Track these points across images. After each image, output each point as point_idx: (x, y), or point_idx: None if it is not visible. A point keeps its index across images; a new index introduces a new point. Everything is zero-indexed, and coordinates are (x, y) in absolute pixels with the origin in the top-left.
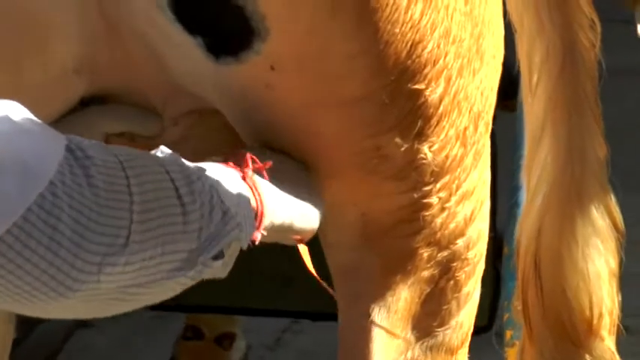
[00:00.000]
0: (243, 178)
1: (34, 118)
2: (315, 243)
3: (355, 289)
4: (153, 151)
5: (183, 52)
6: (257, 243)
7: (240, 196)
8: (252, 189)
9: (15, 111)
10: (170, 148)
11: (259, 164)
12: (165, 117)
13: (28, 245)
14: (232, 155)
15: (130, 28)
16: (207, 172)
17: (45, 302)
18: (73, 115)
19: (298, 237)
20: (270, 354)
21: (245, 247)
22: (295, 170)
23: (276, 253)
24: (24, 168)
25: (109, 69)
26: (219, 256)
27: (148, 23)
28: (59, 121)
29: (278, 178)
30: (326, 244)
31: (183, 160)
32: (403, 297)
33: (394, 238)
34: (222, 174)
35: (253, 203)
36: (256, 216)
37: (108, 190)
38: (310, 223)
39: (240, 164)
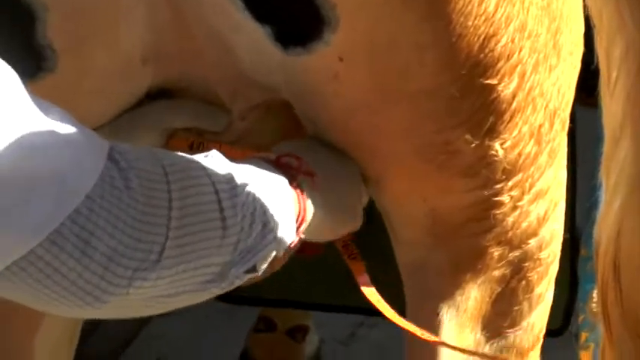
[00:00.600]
0: (291, 183)
1: (79, 126)
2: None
3: (424, 287)
4: (203, 155)
5: (252, 42)
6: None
7: (284, 203)
8: (298, 196)
9: (60, 118)
10: (234, 142)
11: (310, 170)
12: (233, 111)
13: (58, 257)
14: (286, 155)
15: (198, 17)
16: (254, 179)
17: (72, 309)
18: (139, 108)
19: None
20: (343, 349)
21: (281, 255)
22: (344, 172)
23: None
24: (62, 182)
25: (176, 60)
26: (252, 269)
27: (216, 11)
28: (125, 115)
29: (326, 181)
30: (396, 242)
31: (232, 166)
32: (473, 296)
33: (464, 236)
34: (270, 179)
35: (296, 210)
36: (297, 222)
37: (147, 205)
38: (347, 226)
39: (290, 165)
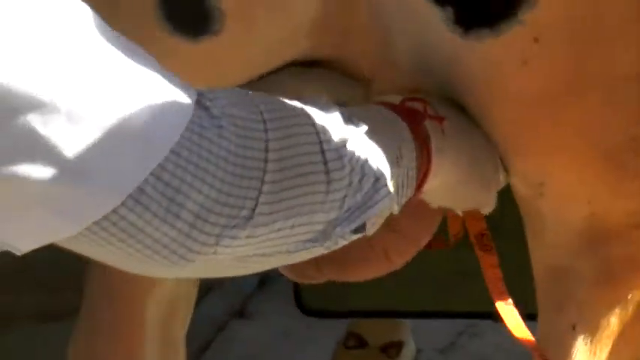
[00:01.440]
0: (414, 129)
1: (165, 72)
2: None
3: (563, 296)
4: (310, 98)
5: (420, 26)
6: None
7: (403, 153)
8: (422, 145)
9: (145, 62)
10: None
11: (437, 115)
12: (372, 90)
13: (142, 217)
14: (410, 99)
15: None
16: (367, 125)
17: (160, 268)
18: (269, 78)
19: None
20: (442, 358)
21: (397, 212)
22: (480, 135)
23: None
24: (144, 137)
25: (334, 35)
26: (360, 229)
27: None
28: (257, 83)
29: (458, 130)
30: (536, 243)
31: (342, 111)
32: (617, 313)
33: (621, 245)
34: (389, 125)
35: (418, 160)
36: (419, 175)
37: (240, 156)
38: (481, 198)
39: (415, 110)
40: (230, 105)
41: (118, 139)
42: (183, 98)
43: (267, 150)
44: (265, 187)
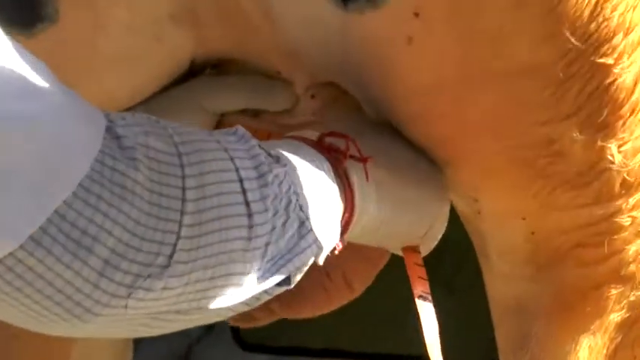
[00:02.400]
0: (336, 169)
1: (67, 91)
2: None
3: (522, 331)
4: (225, 132)
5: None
6: (336, 253)
7: (325, 196)
8: (344, 186)
9: (44, 78)
10: (302, 127)
11: (361, 155)
12: (297, 86)
13: (43, 261)
14: (330, 134)
15: None
16: (289, 164)
17: (57, 325)
18: (179, 88)
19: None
20: None
21: (321, 263)
22: (414, 158)
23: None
24: (46, 169)
25: (218, 24)
26: (285, 281)
27: None
28: (164, 94)
29: (385, 168)
30: (488, 273)
31: (260, 147)
32: (585, 345)
33: (571, 267)
34: (310, 164)
35: (342, 205)
36: (343, 222)
37: (156, 193)
38: (416, 231)
39: (336, 148)
40: (143, 134)
41: (13, 172)
42: (91, 123)
43: (184, 188)
44: (183, 231)
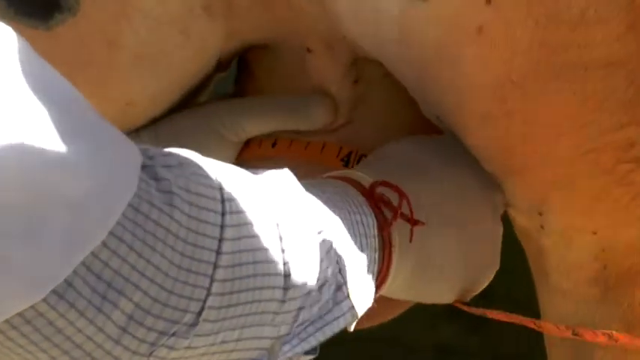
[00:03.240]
0: (382, 229)
1: (101, 124)
2: None
3: (581, 357)
4: (268, 174)
5: None
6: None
7: (366, 257)
8: (384, 245)
9: (75, 107)
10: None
11: (412, 216)
12: (337, 68)
13: (65, 315)
14: (384, 184)
15: None
16: (331, 219)
17: None
18: (192, 113)
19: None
20: None
21: (351, 329)
22: (471, 217)
23: None
24: (77, 218)
25: (252, 13)
26: (312, 350)
27: None
28: (174, 122)
29: (433, 235)
30: (545, 290)
31: (305, 197)
32: None
33: None
34: (354, 217)
35: (377, 267)
36: (379, 280)
37: (190, 244)
38: (452, 293)
39: (387, 202)
40: (185, 176)
41: (46, 220)
42: (128, 162)
43: (221, 239)
44: (215, 287)
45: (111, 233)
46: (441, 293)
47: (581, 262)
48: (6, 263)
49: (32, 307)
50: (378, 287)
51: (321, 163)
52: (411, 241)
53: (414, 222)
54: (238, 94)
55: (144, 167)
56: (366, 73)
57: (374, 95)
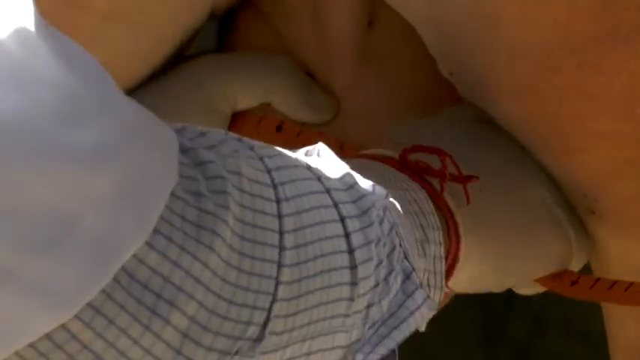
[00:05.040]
0: (435, 198)
1: (131, 104)
2: None
3: None
4: (306, 150)
5: None
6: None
7: (429, 236)
8: (446, 218)
9: (100, 92)
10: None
11: (460, 173)
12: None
13: (103, 335)
14: (417, 149)
15: None
16: (386, 194)
17: None
18: (178, 72)
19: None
20: None
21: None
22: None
23: None
24: (111, 215)
25: None
26: (388, 357)
27: None
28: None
29: (493, 189)
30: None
31: (353, 175)
32: None
33: None
34: (403, 193)
35: (445, 244)
36: (446, 267)
37: (248, 241)
38: (527, 274)
39: (426, 168)
40: (233, 156)
41: (75, 219)
42: (164, 145)
43: (282, 232)
44: (281, 291)
45: (157, 231)
46: (522, 270)
47: None
48: (19, 275)
49: (63, 327)
50: (448, 273)
51: None
52: (468, 202)
53: (464, 179)
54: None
55: (184, 151)
56: (383, 17)
57: (388, 48)
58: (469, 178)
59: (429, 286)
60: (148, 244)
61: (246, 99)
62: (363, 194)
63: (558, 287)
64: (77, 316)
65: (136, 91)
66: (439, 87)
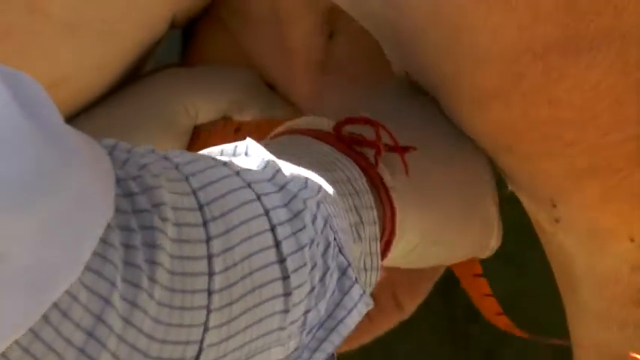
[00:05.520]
0: (367, 172)
1: (67, 127)
2: None
3: None
4: (231, 148)
5: None
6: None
7: (363, 217)
8: (380, 193)
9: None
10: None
11: (396, 143)
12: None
13: None
14: (349, 120)
15: None
16: (320, 183)
17: None
18: (138, 89)
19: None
20: None
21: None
22: (459, 144)
23: None
24: (43, 251)
25: None
26: (330, 358)
27: None
28: (115, 104)
29: (428, 158)
30: (572, 308)
31: (279, 165)
32: None
33: None
34: (336, 174)
35: (379, 221)
36: (382, 244)
37: (177, 274)
38: (472, 245)
39: (361, 139)
40: (157, 187)
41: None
42: (101, 176)
43: (210, 256)
44: (212, 319)
45: (88, 268)
46: (458, 244)
47: (615, 276)
48: None
49: (3, 355)
50: (384, 253)
51: None
52: (407, 172)
53: (402, 149)
54: (186, 59)
55: (117, 181)
56: (343, 26)
57: (349, 57)
58: (406, 148)
59: (365, 269)
60: (80, 280)
61: (207, 113)
62: (294, 194)
63: (463, 274)
64: (5, 355)
65: (97, 104)
66: None
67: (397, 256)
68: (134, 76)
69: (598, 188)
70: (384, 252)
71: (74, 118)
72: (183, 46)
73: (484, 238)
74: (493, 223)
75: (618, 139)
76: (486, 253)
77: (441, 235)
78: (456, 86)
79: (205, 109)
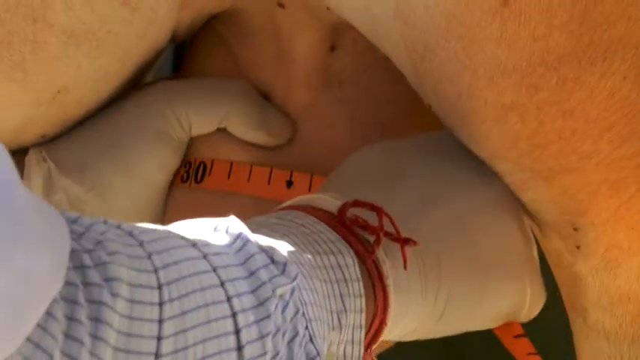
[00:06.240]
0: (364, 261)
1: (25, 192)
2: None
3: None
4: (210, 226)
5: None
6: None
7: (348, 306)
8: (374, 280)
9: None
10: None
11: (399, 233)
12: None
13: None
14: (357, 204)
15: None
16: (299, 270)
17: None
18: (133, 99)
19: None
20: None
21: None
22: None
23: None
24: None
25: None
26: None
27: None
28: (110, 116)
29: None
30: (580, 328)
31: (261, 251)
32: None
33: None
34: (327, 258)
35: (364, 315)
36: (372, 331)
37: (121, 351)
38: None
39: (363, 224)
40: (117, 263)
41: None
42: (54, 246)
43: (159, 338)
44: None
45: (28, 339)
46: (483, 316)
47: (629, 294)
48: None
49: None
50: (376, 334)
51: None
52: (405, 267)
53: (403, 241)
54: (179, 70)
55: (71, 252)
56: (346, 41)
57: (352, 74)
58: (407, 240)
59: (345, 357)
60: (19, 351)
61: (201, 125)
62: (263, 282)
63: (503, 335)
64: None
65: (93, 115)
66: (403, 114)
67: (395, 336)
68: (134, 87)
69: (614, 202)
70: (375, 338)
71: (71, 128)
72: (176, 58)
73: (514, 308)
74: (525, 293)
75: (632, 151)
76: (523, 320)
77: (459, 312)
78: (474, 99)
79: (199, 122)
